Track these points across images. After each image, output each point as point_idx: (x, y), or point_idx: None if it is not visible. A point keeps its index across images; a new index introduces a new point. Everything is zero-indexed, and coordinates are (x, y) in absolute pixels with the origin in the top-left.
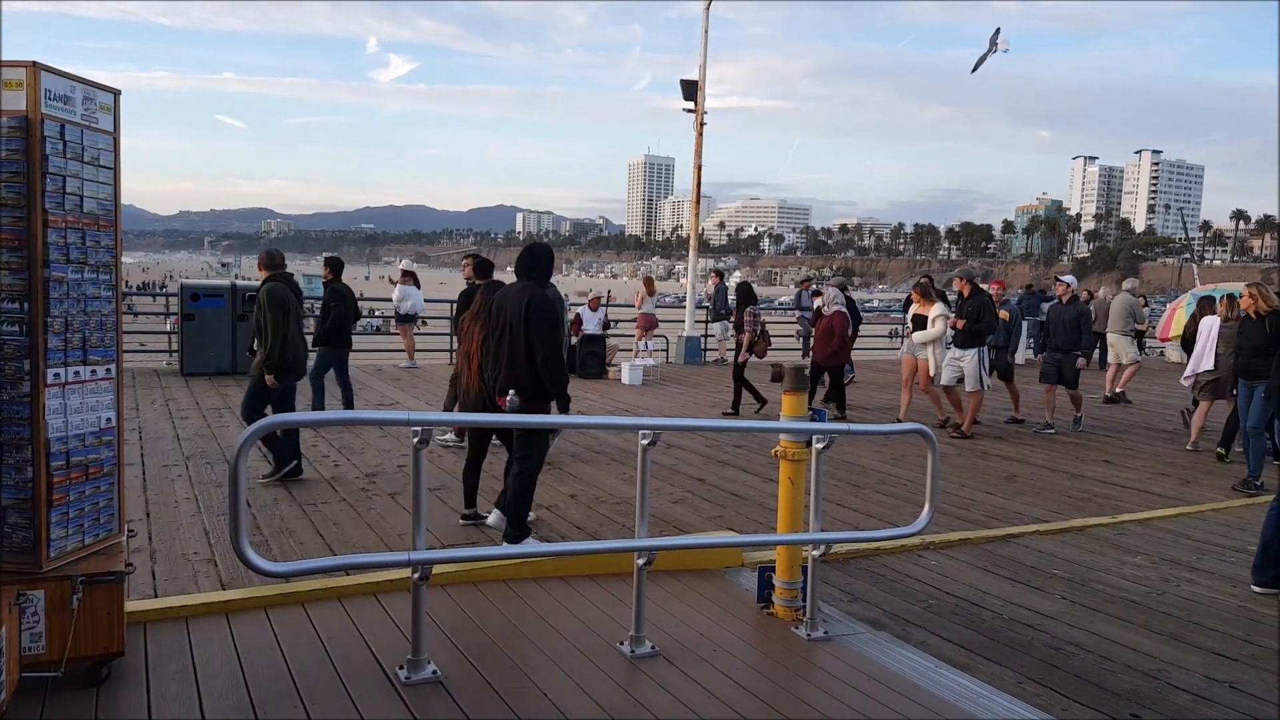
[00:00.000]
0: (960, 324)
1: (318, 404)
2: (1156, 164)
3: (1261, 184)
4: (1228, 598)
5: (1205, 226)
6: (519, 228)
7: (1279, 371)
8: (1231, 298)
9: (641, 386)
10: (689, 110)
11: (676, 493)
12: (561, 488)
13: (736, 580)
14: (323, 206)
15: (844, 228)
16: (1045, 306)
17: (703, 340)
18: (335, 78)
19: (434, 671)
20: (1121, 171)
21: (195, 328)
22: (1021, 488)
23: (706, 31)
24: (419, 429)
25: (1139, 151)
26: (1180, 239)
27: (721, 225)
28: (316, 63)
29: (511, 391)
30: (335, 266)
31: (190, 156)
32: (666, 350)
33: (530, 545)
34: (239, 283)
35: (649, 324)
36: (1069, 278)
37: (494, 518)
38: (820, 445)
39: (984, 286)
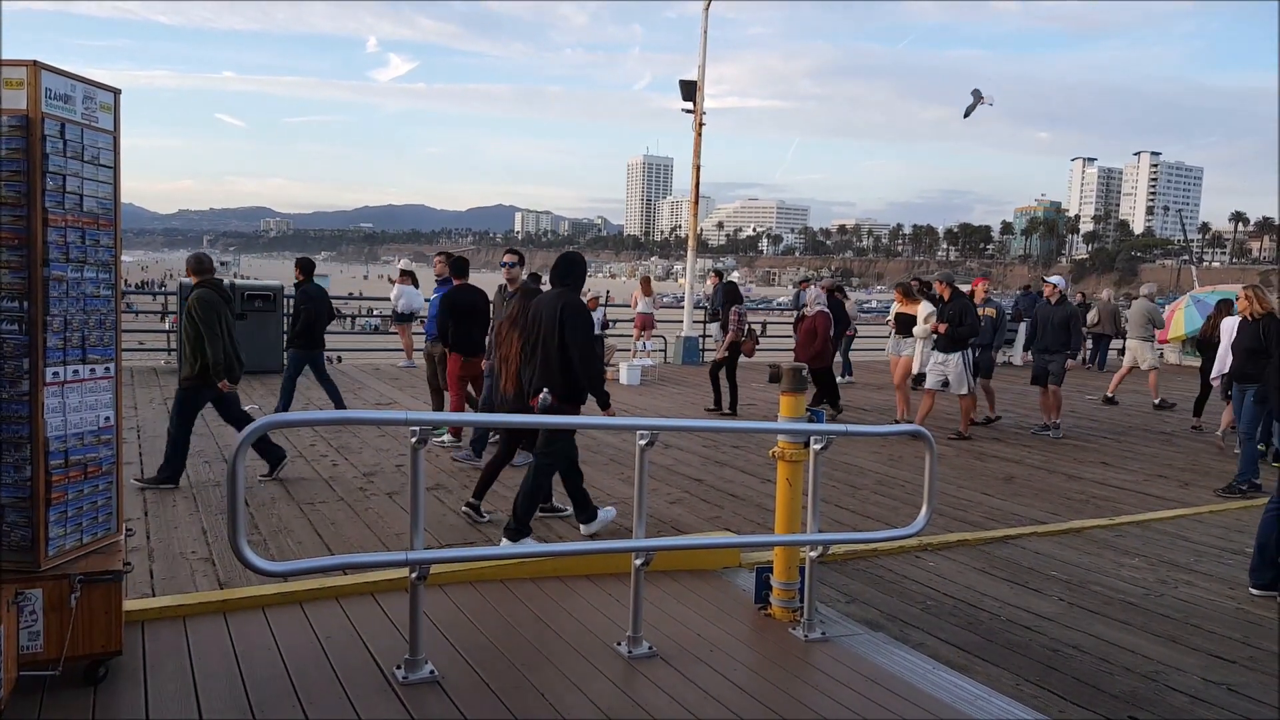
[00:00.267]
0: (942, 328)
1: (284, 406)
2: (1155, 165)
3: (1260, 186)
4: (1226, 600)
5: (1204, 228)
6: (517, 227)
7: (1273, 374)
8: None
9: (639, 386)
10: (688, 111)
11: (674, 493)
12: (558, 487)
13: (734, 581)
14: (322, 205)
15: (842, 228)
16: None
17: (701, 340)
18: (335, 77)
19: (431, 671)
20: (1120, 173)
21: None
22: (1019, 489)
23: (705, 32)
24: (416, 429)
25: (1138, 153)
26: (1179, 241)
27: (720, 225)
28: (316, 62)
29: (544, 390)
30: (305, 268)
31: (190, 155)
32: (664, 350)
33: (528, 545)
34: (238, 281)
35: (646, 324)
36: (1057, 278)
37: (585, 528)
38: (818, 446)
39: (963, 288)
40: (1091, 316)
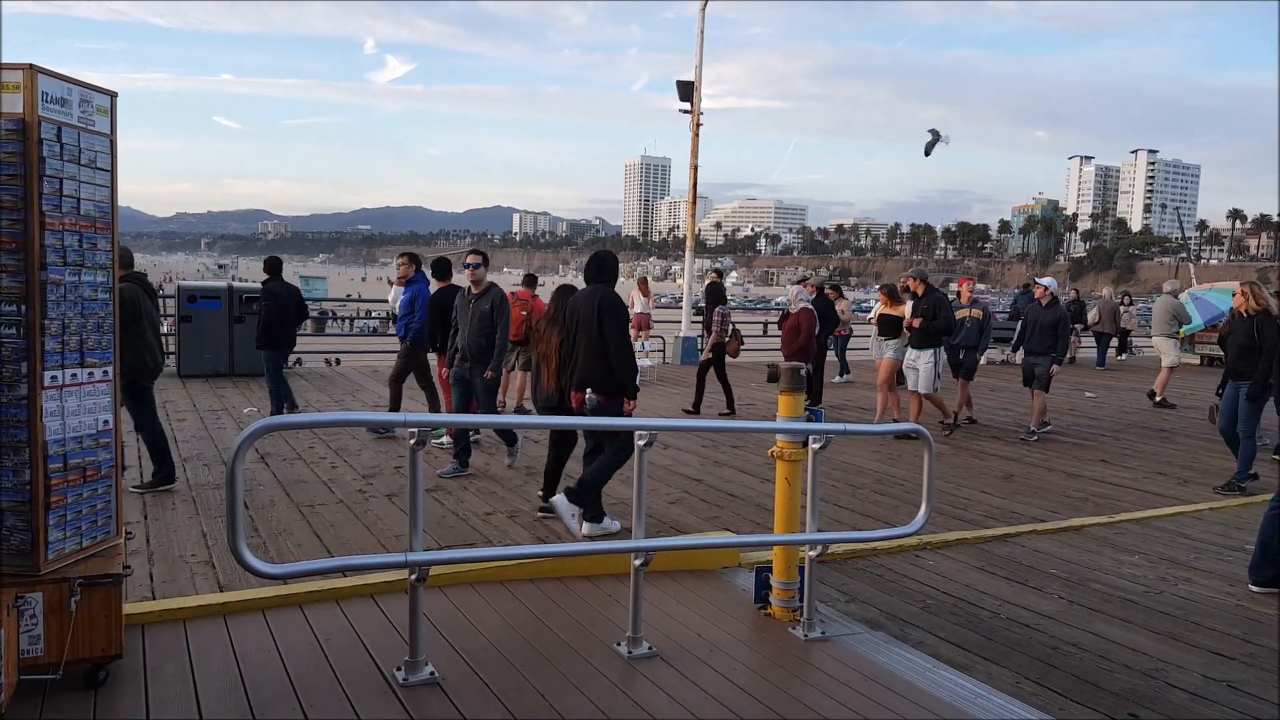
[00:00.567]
0: (916, 323)
1: (277, 409)
2: (1153, 164)
3: (1258, 184)
4: (1225, 597)
5: (1202, 226)
6: (516, 228)
7: (1263, 372)
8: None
9: (638, 387)
10: (685, 111)
11: (673, 493)
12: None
13: (734, 581)
14: (320, 207)
15: (840, 228)
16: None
17: (699, 340)
18: (333, 79)
19: (431, 673)
20: (1118, 171)
21: (192, 329)
22: (1018, 487)
23: (702, 33)
24: (415, 430)
25: (1135, 151)
26: (1176, 239)
27: (718, 226)
28: (314, 63)
29: (589, 391)
30: (270, 267)
31: (187, 158)
32: (663, 350)
33: (607, 525)
34: (236, 284)
35: (643, 324)
36: (1049, 280)
37: (587, 528)
38: (817, 445)
39: (941, 287)
40: (1092, 315)
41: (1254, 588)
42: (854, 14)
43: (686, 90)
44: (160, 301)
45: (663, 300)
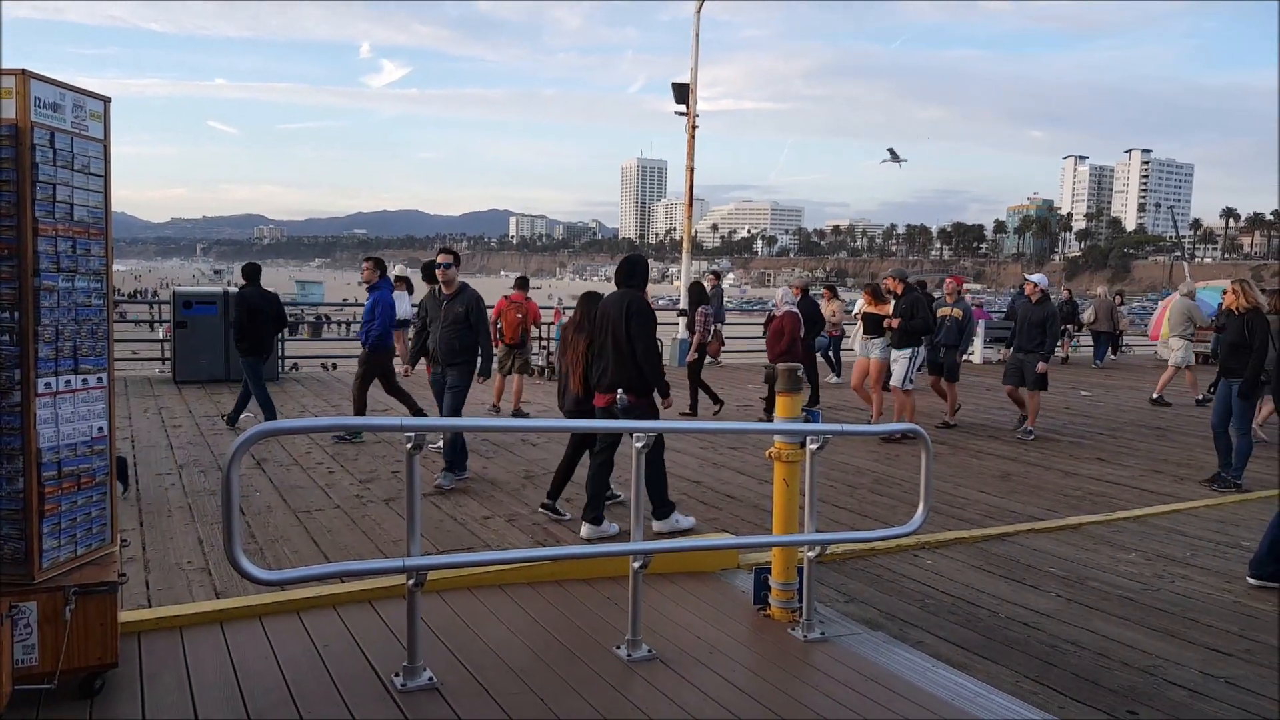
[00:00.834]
0: (895, 323)
1: (270, 414)
2: (1147, 163)
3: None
4: (1223, 593)
5: (1196, 224)
6: (512, 231)
7: (1253, 369)
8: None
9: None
10: (681, 113)
11: (671, 495)
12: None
13: (732, 582)
14: (315, 212)
15: (836, 229)
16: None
17: (687, 342)
18: (328, 83)
19: (430, 678)
20: (1112, 171)
21: (188, 335)
22: (1016, 486)
23: (698, 35)
24: (412, 435)
25: (1129, 151)
26: (1171, 237)
27: (715, 228)
28: (309, 68)
29: (620, 391)
30: (247, 273)
31: (182, 163)
32: (662, 352)
33: (682, 520)
34: (232, 290)
35: None
36: (1039, 277)
37: (585, 530)
38: (814, 446)
39: (936, 287)
40: (1088, 315)
41: (1252, 580)
42: (850, 14)
43: (682, 92)
44: (156, 308)
45: (660, 302)
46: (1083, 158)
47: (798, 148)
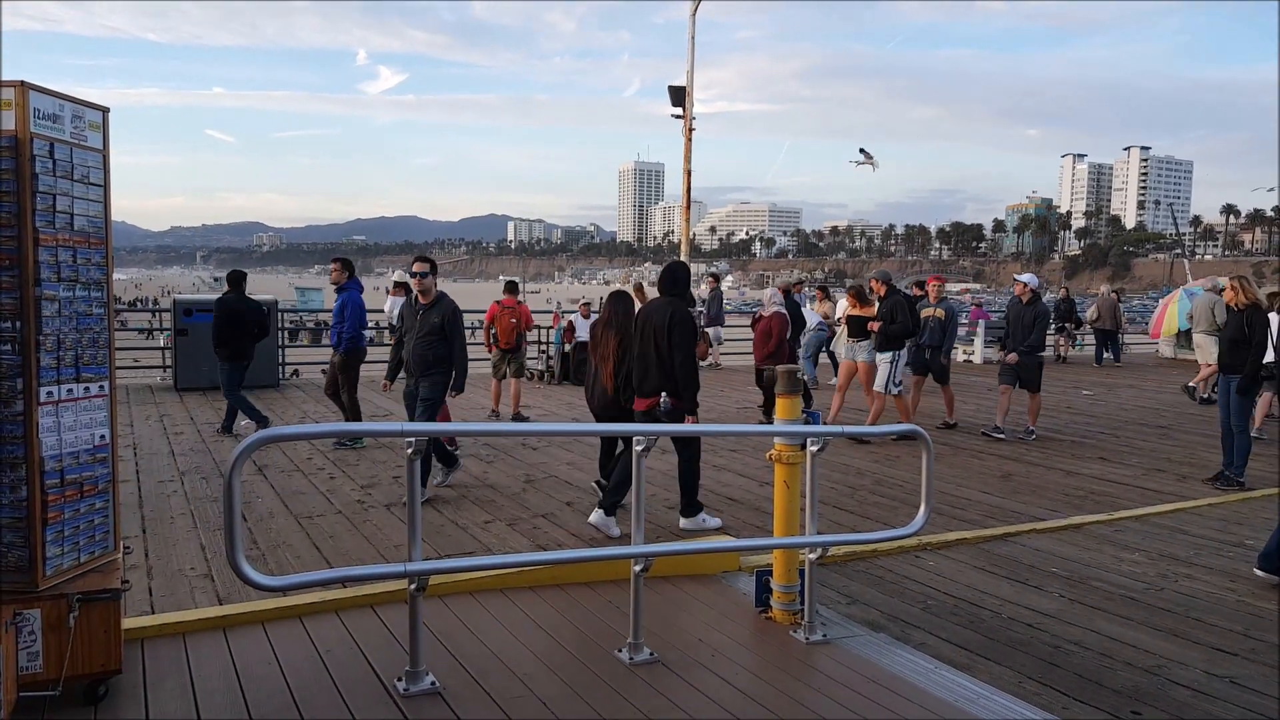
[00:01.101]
0: (875, 326)
1: (252, 415)
2: (1145, 160)
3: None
4: (1226, 592)
5: (1196, 221)
6: (510, 236)
7: (1252, 365)
8: None
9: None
10: (677, 116)
11: (672, 498)
12: (557, 495)
13: (734, 585)
14: (314, 219)
15: (835, 230)
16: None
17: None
18: (325, 90)
19: (432, 682)
20: (1110, 168)
21: (189, 343)
22: (1018, 486)
23: (693, 38)
24: (413, 440)
25: (1127, 148)
26: (1171, 235)
27: (713, 230)
28: (306, 75)
29: (664, 395)
30: (230, 279)
31: (181, 172)
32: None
33: (707, 521)
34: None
35: None
36: (1028, 276)
37: (595, 517)
38: (815, 448)
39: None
40: (1091, 313)
41: (1259, 571)
42: (843, 15)
43: (678, 95)
44: (157, 316)
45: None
46: (1081, 155)
47: (794, 149)
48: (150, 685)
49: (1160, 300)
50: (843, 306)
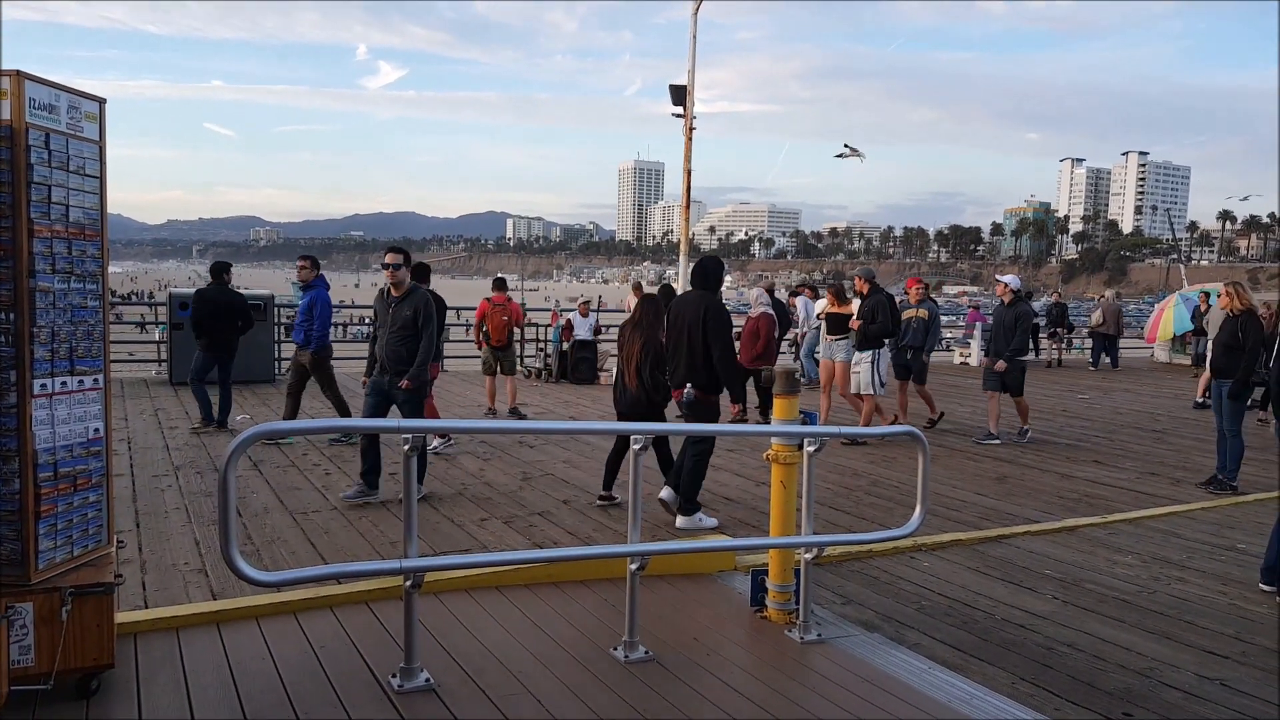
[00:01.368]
0: (855, 324)
1: (206, 412)
2: (1143, 165)
3: (1248, 185)
4: (1219, 596)
5: (1192, 227)
6: (509, 234)
7: (1244, 370)
8: None
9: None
10: (678, 116)
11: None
12: (554, 493)
13: (730, 584)
14: (312, 214)
15: (833, 231)
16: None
17: None
18: (325, 85)
19: (427, 679)
20: (1109, 173)
21: (184, 337)
22: (1012, 489)
23: (695, 38)
24: (409, 437)
25: (1126, 153)
26: (1167, 240)
27: (712, 230)
28: (306, 70)
29: (689, 385)
30: (212, 271)
31: (178, 165)
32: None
33: (705, 521)
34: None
35: None
36: (1009, 277)
37: (681, 521)
38: (811, 448)
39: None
40: (1095, 317)
41: (1264, 586)
42: (843, 16)
43: (679, 94)
44: (152, 309)
45: None
46: (1080, 160)
47: (794, 150)
48: (143, 680)
49: (1156, 305)
50: (822, 304)
